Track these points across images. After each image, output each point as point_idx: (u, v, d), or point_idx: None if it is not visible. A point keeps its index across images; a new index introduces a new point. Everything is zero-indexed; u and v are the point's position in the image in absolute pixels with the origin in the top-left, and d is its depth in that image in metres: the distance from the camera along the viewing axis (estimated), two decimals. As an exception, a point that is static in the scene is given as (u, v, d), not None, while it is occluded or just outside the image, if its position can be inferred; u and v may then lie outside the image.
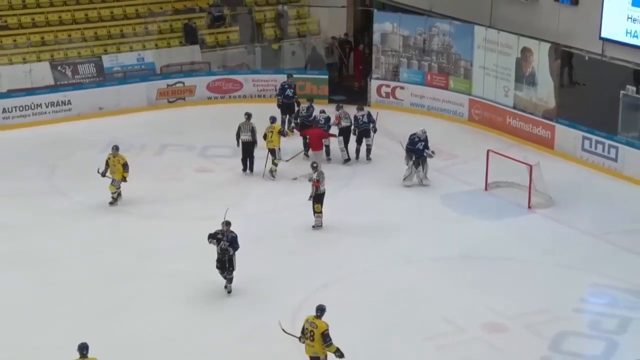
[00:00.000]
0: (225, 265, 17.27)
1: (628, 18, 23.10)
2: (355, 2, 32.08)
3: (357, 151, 24.25)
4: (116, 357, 14.97)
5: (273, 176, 22.97)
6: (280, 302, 17.09)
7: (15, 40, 28.51)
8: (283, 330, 14.88)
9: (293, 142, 24.34)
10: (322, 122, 24.14)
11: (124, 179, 21.25)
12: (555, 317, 16.74)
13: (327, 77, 29.16)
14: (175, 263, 18.54)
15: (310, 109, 24.67)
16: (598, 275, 18.32)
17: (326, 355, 14.30)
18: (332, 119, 24.24)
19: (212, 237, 17.23)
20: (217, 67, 29.86)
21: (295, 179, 22.42)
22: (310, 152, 24.24)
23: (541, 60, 24.95)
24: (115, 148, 21.41)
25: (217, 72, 29.59)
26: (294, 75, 27.25)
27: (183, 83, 28.90)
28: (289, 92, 26.00)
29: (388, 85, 28.47)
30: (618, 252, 19.34)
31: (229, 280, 17.42)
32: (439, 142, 25.16)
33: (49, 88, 27.49)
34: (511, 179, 22.07)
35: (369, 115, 24.10)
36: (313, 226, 20.16)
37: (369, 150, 24.21)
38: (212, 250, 17.18)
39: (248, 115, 23.35)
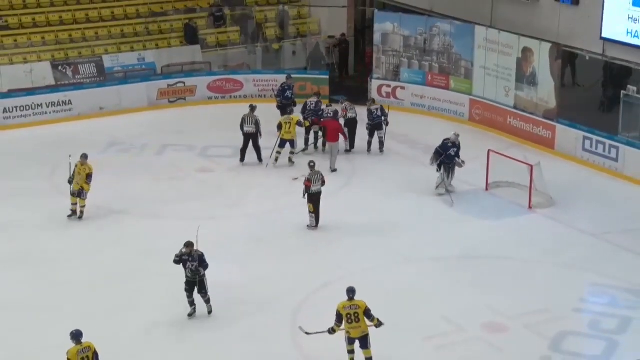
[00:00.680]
0: (195, 287, 16.48)
1: (629, 18, 23.08)
2: (355, 2, 32.11)
3: (370, 144, 24.73)
4: (116, 357, 14.98)
5: (292, 162, 23.75)
6: (281, 302, 17.10)
7: (16, 40, 28.54)
8: (307, 333, 15.09)
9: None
10: (331, 115, 24.49)
11: (81, 190, 20.33)
12: (555, 317, 16.73)
13: (327, 77, 29.19)
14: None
15: (318, 103, 25.01)
16: (598, 275, 18.31)
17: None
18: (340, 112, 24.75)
19: (179, 261, 16.45)
20: (217, 67, 29.90)
21: (295, 179, 22.43)
22: (327, 144, 24.45)
23: (542, 61, 24.93)
24: (84, 156, 20.54)
25: (217, 72, 29.63)
26: (294, 76, 27.29)
27: (184, 83, 28.92)
28: (288, 93, 26.05)
29: (389, 85, 28.49)
30: (618, 252, 19.32)
31: (207, 302, 16.65)
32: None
33: (49, 88, 27.52)
34: (512, 179, 22.06)
35: (382, 109, 24.66)
36: (307, 226, 20.24)
37: (381, 143, 24.76)
38: (212, 251, 17.13)
39: (252, 108, 23.81)
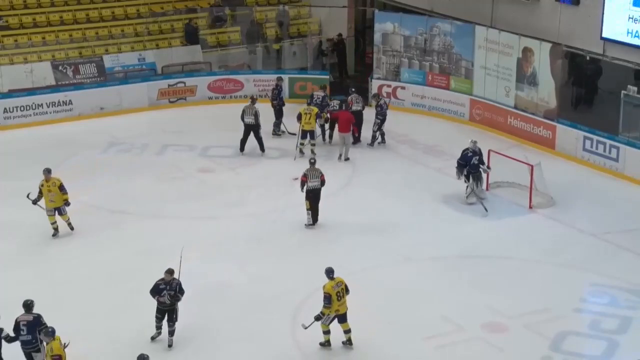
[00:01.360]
0: (165, 315, 15.72)
1: (629, 18, 23.07)
2: (356, 2, 32.11)
3: (374, 137, 25.13)
4: (116, 357, 14.96)
5: (313, 152, 23.77)
6: (281, 302, 17.10)
7: (16, 41, 28.53)
8: (307, 327, 15.36)
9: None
10: (337, 108, 24.96)
11: (66, 203, 19.53)
12: (555, 317, 16.73)
13: (328, 77, 29.18)
14: (175, 263, 18.50)
15: (325, 97, 25.35)
16: (598, 275, 18.31)
17: None
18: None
19: (155, 292, 15.66)
20: (218, 67, 29.89)
21: (295, 179, 22.33)
22: (337, 133, 24.66)
23: (542, 61, 24.92)
24: (47, 171, 19.43)
25: (218, 72, 29.62)
26: (294, 76, 27.39)
27: (184, 83, 28.92)
28: (282, 95, 26.28)
29: (389, 85, 28.47)
30: (618, 252, 19.32)
31: (171, 333, 15.76)
32: (439, 142, 25.25)
33: (50, 88, 27.51)
34: (512, 179, 22.06)
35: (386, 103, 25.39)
36: (305, 224, 20.26)
37: (374, 137, 25.21)
38: (212, 251, 17.17)
39: (252, 99, 24.34)
